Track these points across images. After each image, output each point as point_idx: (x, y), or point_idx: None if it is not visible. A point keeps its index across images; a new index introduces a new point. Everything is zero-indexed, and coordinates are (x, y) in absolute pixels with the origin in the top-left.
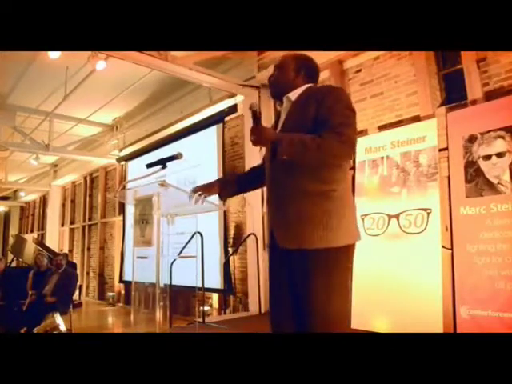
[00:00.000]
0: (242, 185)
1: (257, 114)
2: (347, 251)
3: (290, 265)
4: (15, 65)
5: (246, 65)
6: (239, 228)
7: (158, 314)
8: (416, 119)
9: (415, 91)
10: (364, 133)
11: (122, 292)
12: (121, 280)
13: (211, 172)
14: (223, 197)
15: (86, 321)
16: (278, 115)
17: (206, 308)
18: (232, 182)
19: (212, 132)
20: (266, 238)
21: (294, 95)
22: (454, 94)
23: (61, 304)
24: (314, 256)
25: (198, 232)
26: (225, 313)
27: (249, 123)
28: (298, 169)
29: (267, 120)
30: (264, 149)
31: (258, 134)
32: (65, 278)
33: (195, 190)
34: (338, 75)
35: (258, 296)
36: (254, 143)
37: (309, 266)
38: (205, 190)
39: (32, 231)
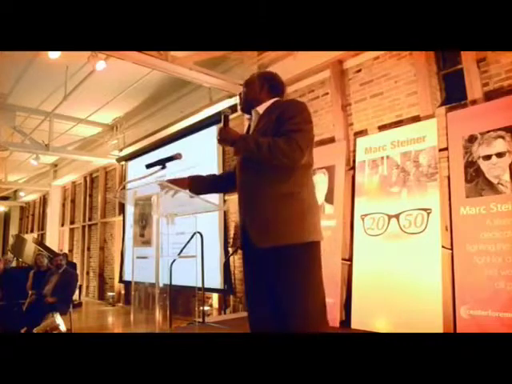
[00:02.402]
0: (212, 185)
1: (227, 118)
2: (313, 247)
3: (263, 263)
4: (15, 65)
5: (245, 65)
6: (239, 228)
7: (158, 314)
8: (416, 119)
9: (415, 91)
10: (364, 133)
11: (122, 292)
12: (121, 280)
13: (211, 172)
14: (192, 192)
15: (86, 321)
16: (248, 128)
17: (206, 308)
18: (203, 181)
19: (212, 132)
20: (240, 240)
21: (261, 109)
22: (454, 94)
23: (61, 304)
24: (284, 252)
25: (198, 232)
26: (225, 313)
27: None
28: (266, 173)
29: None
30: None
31: (222, 134)
32: (65, 277)
33: (166, 183)
34: (338, 75)
35: None
36: (219, 141)
37: (280, 262)
38: (175, 183)
39: (32, 231)
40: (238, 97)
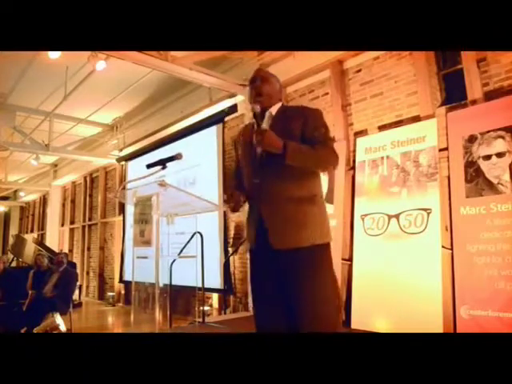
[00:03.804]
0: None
1: (258, 116)
2: (328, 248)
3: (282, 265)
4: (15, 65)
5: (246, 65)
6: (239, 228)
7: (158, 314)
8: (416, 119)
9: (415, 91)
10: (364, 133)
11: (122, 292)
12: (121, 280)
13: (211, 172)
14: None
15: (86, 321)
16: (252, 126)
17: (206, 308)
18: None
19: (212, 132)
20: (250, 242)
21: (273, 110)
22: (454, 94)
23: (61, 303)
24: (305, 254)
25: (198, 232)
26: (225, 313)
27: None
28: (290, 176)
29: None
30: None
31: (266, 138)
32: (65, 276)
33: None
34: (338, 75)
35: None
36: (262, 146)
37: (302, 264)
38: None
39: (32, 231)
40: (237, 97)
